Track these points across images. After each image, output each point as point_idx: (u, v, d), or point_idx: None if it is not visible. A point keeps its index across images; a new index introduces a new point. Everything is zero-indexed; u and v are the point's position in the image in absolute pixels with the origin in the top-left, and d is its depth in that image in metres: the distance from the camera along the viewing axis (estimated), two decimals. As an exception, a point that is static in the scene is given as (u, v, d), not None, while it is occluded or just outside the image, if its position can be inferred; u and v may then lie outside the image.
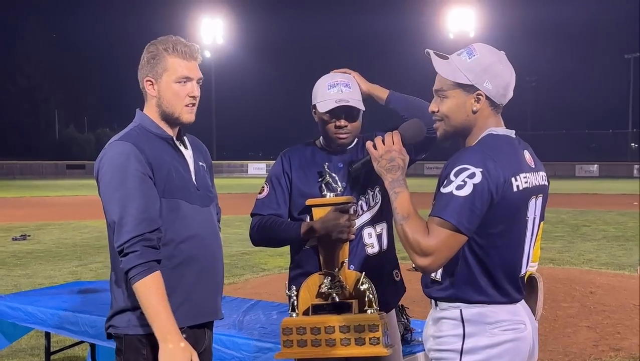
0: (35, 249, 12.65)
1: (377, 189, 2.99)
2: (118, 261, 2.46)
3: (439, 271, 2.35)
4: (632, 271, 9.76)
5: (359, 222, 2.93)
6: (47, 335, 4.70)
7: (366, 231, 2.96)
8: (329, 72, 3.05)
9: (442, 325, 2.37)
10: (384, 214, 3.00)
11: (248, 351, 3.46)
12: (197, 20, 75.00)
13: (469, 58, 2.35)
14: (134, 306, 2.48)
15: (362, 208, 2.96)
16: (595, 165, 61.48)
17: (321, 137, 3.06)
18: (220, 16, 77.09)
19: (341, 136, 2.93)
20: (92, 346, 4.80)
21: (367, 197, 2.97)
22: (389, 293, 3.03)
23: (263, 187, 3.05)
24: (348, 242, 2.85)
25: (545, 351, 5.70)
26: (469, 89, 2.34)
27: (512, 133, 2.43)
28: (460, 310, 2.32)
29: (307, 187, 2.97)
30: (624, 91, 75.76)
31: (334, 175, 2.91)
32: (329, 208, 2.83)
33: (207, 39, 71.25)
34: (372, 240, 2.97)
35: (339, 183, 2.90)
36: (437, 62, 2.40)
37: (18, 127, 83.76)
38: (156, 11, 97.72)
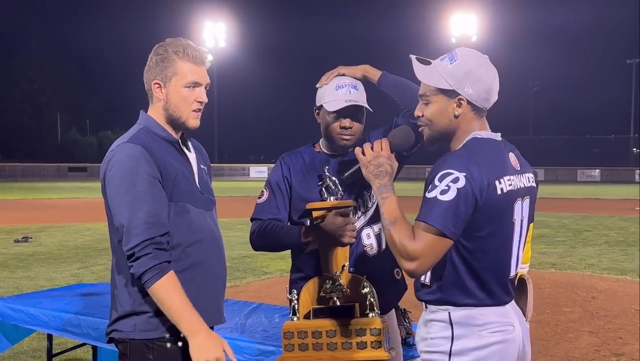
0: (37, 251, 12.65)
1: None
2: (125, 264, 2.44)
3: (428, 275, 2.38)
4: (634, 276, 9.75)
5: (357, 223, 2.93)
6: (49, 337, 4.70)
7: (365, 232, 2.97)
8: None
9: (432, 327, 2.39)
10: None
11: (250, 355, 3.46)
12: (199, 24, 75.09)
13: (450, 63, 2.37)
14: (141, 311, 2.46)
15: (360, 210, 2.97)
16: (597, 170, 61.48)
17: (321, 140, 3.06)
18: (223, 20, 77.21)
19: (345, 137, 2.93)
20: (94, 348, 4.80)
21: (364, 198, 2.98)
22: (390, 293, 3.04)
23: (262, 192, 3.05)
24: (349, 245, 2.85)
25: (547, 356, 5.70)
26: (450, 93, 2.36)
27: (497, 136, 2.46)
28: (449, 313, 2.35)
29: (307, 191, 2.97)
30: (626, 96, 75.83)
31: (334, 178, 2.90)
32: (329, 212, 2.83)
33: (209, 42, 71.34)
34: (370, 241, 2.98)
35: (339, 186, 2.89)
36: (417, 67, 2.43)
37: (21, 130, 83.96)
38: (159, 15, 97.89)
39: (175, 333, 2.48)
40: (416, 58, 2.45)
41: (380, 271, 2.97)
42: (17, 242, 13.92)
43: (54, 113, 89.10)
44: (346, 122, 2.91)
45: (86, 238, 14.68)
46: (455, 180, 2.21)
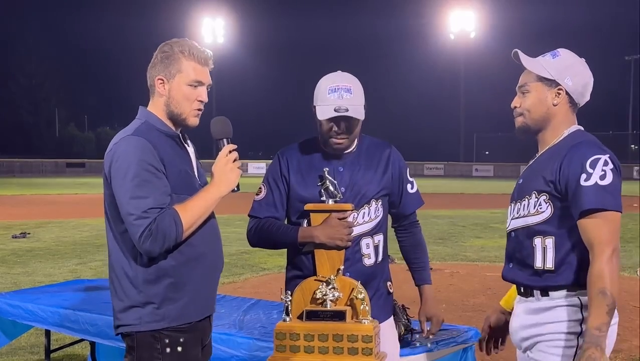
0: (35, 247, 12.64)
1: (381, 203, 2.99)
2: (128, 256, 2.50)
3: (550, 259, 2.48)
4: (632, 273, 9.77)
5: (359, 230, 2.91)
6: (47, 333, 4.70)
7: (364, 241, 2.95)
8: (329, 73, 2.96)
9: (556, 312, 2.49)
10: (382, 226, 3.01)
11: (248, 351, 3.46)
12: (198, 20, 75.11)
13: (553, 58, 2.60)
14: (146, 302, 2.51)
15: (363, 218, 2.94)
16: (596, 167, 61.30)
17: (320, 136, 3.02)
18: (221, 16, 77.19)
19: (337, 141, 2.89)
20: (92, 344, 4.80)
21: (370, 207, 2.95)
22: (385, 302, 3.05)
23: (260, 188, 3.03)
24: (344, 249, 2.84)
25: (545, 352, 5.69)
26: (551, 83, 2.57)
27: None
28: (578, 297, 2.46)
29: (305, 190, 2.94)
30: (625, 93, 75.77)
31: (334, 181, 2.87)
32: (327, 214, 2.82)
33: (208, 39, 71.30)
34: (369, 251, 2.96)
35: (338, 189, 2.87)
36: (524, 58, 2.63)
37: (19, 125, 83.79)
38: (157, 11, 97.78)
39: (180, 323, 2.54)
40: (521, 52, 2.64)
41: (375, 281, 2.98)
42: (15, 237, 13.94)
43: (52, 109, 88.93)
44: (337, 128, 2.86)
45: (84, 234, 14.68)
46: (606, 163, 2.40)
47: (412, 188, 3.12)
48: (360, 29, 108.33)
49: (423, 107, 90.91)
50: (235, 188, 2.64)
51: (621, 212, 2.41)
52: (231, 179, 2.61)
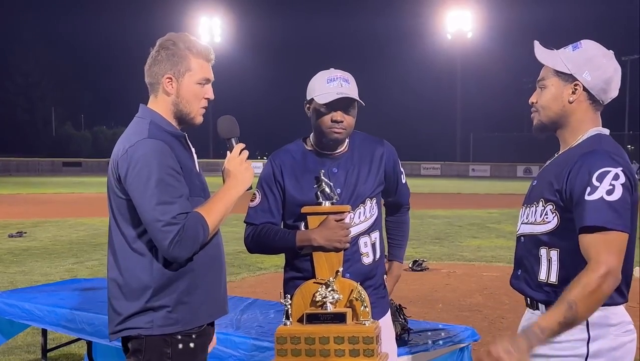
0: (32, 246, 12.62)
1: (375, 201, 2.99)
2: (140, 259, 2.45)
3: (554, 273, 2.33)
4: (628, 273, 9.77)
5: (356, 230, 2.91)
6: (44, 332, 4.70)
7: (362, 240, 2.95)
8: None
9: None
10: (377, 223, 3.02)
11: (245, 350, 3.47)
12: (195, 19, 75.03)
13: (573, 50, 2.38)
14: (159, 306, 2.46)
15: (359, 218, 2.94)
16: (592, 167, 61.41)
17: (311, 135, 3.01)
18: (218, 15, 77.15)
19: (336, 130, 2.87)
20: (89, 343, 4.80)
21: (365, 206, 2.95)
22: (383, 300, 3.06)
23: (254, 194, 3.00)
24: (343, 251, 2.83)
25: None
26: (568, 78, 2.36)
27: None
28: None
29: (300, 194, 2.93)
30: (621, 93, 74.56)
31: (330, 183, 2.85)
32: (324, 216, 2.81)
33: (205, 37, 71.21)
34: (367, 249, 2.96)
35: (334, 191, 2.86)
36: (539, 50, 2.43)
37: (15, 124, 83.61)
38: (154, 10, 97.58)
39: (192, 326, 2.52)
40: (539, 43, 2.45)
41: (374, 279, 2.99)
42: (12, 236, 13.91)
43: (49, 108, 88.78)
44: (337, 115, 2.85)
45: (81, 234, 14.66)
46: (616, 177, 2.18)
47: (403, 179, 3.18)
48: (358, 28, 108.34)
49: (420, 107, 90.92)
50: (250, 187, 2.64)
51: (629, 233, 2.18)
52: (247, 178, 2.59)
